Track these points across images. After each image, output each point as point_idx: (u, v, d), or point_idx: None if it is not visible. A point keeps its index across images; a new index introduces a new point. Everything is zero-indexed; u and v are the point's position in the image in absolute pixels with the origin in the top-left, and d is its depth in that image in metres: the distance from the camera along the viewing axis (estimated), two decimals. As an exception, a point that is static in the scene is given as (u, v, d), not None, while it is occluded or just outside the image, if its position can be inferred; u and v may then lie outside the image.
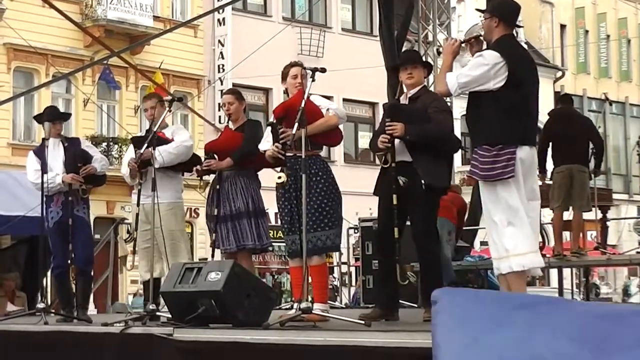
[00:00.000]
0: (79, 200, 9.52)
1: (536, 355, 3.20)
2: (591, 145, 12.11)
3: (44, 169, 9.38)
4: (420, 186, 7.56)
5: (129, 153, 9.56)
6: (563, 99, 12.83)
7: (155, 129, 8.84)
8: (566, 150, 11.36)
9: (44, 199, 9.51)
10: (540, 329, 3.27)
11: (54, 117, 9.79)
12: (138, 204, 9.01)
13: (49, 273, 10.68)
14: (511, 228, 6.46)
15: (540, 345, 3.21)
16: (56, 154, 9.58)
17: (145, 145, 8.70)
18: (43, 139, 9.69)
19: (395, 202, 7.64)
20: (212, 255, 8.78)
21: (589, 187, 12.08)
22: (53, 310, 9.03)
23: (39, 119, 9.95)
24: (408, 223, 7.89)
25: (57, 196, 9.49)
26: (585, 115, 40.03)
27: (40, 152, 9.55)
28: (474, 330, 3.36)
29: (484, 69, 6.52)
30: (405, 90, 8.04)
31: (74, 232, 9.39)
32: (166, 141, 9.20)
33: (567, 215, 12.18)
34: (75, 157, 9.51)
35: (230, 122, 9.02)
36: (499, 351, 3.26)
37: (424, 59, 20.23)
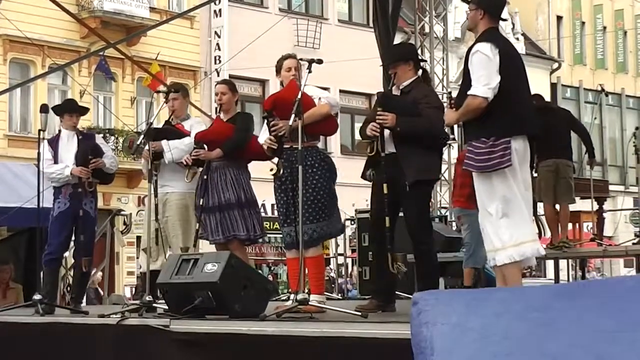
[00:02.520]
0: (87, 194, 9.54)
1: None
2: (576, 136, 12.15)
3: (55, 160, 9.47)
4: (406, 179, 7.62)
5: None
6: (535, 96, 12.72)
7: (151, 121, 8.84)
8: (550, 144, 11.25)
9: (50, 190, 9.58)
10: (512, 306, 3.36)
11: (71, 109, 9.84)
12: (156, 195, 8.91)
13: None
14: (506, 219, 6.46)
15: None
16: (69, 147, 9.63)
17: (142, 137, 8.68)
18: (59, 131, 9.85)
19: (385, 190, 7.67)
20: (195, 245, 8.77)
21: (573, 181, 12.09)
22: (46, 301, 9.03)
23: (60, 110, 9.97)
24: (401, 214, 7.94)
25: (65, 188, 9.53)
26: (582, 106, 40.35)
27: (54, 143, 9.63)
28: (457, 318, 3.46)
29: (489, 61, 6.51)
30: (395, 82, 8.04)
31: (80, 226, 9.42)
32: (182, 134, 9.21)
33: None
34: (87, 150, 9.52)
35: (221, 112, 9.01)
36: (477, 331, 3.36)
37: (420, 50, 20.33)
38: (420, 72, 8.10)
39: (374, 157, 7.77)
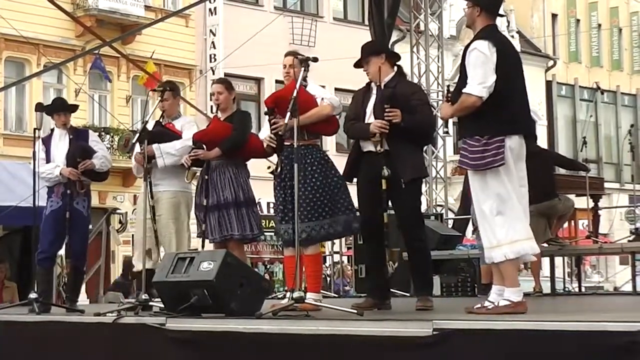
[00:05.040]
0: (78, 193, 9.53)
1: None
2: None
3: (47, 159, 9.47)
4: (401, 176, 7.63)
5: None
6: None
7: (146, 120, 8.83)
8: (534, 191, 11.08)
9: (45, 189, 9.58)
10: None
11: (59, 108, 9.83)
12: (152, 196, 8.94)
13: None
14: (501, 217, 6.46)
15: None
16: (61, 145, 9.62)
17: (137, 136, 8.65)
18: (52, 129, 9.86)
19: (384, 187, 7.68)
20: (202, 246, 8.75)
21: (560, 205, 12.09)
22: (42, 300, 9.02)
23: (49, 109, 9.96)
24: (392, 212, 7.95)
25: (57, 187, 9.53)
26: (577, 104, 40.35)
27: (47, 141, 9.65)
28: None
29: (486, 60, 6.51)
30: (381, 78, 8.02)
31: (72, 226, 9.41)
32: (174, 135, 9.17)
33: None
34: (76, 151, 9.51)
35: (219, 112, 8.99)
36: None
37: (416, 48, 20.31)
38: (395, 68, 8.12)
39: (377, 154, 7.77)
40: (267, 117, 8.28)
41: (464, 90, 6.55)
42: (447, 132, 19.21)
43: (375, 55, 8.04)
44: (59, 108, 9.86)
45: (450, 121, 7.21)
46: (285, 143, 7.89)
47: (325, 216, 7.91)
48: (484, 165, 6.46)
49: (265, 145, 8.07)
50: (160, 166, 9.08)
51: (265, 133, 8.23)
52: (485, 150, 6.45)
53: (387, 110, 7.67)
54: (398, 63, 8.18)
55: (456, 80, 6.91)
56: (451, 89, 6.90)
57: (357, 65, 8.21)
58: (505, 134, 6.48)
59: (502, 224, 6.46)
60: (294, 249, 7.57)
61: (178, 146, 9.09)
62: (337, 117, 8.23)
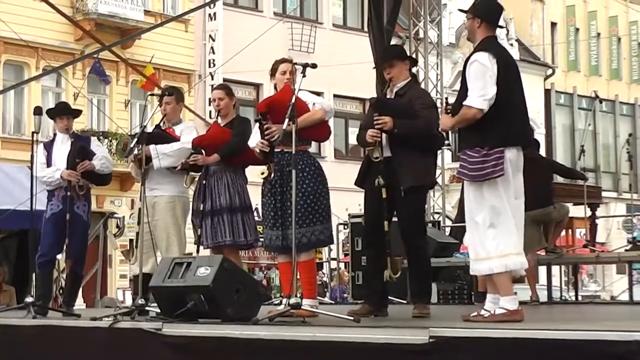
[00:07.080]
0: (79, 197, 9.52)
1: None
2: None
3: (48, 163, 9.46)
4: (400, 184, 7.62)
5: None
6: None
7: (145, 124, 8.82)
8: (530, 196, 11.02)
9: (44, 193, 9.57)
10: None
11: (61, 112, 9.83)
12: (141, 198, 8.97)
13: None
14: (493, 229, 6.46)
15: None
16: (62, 149, 9.62)
17: (136, 140, 8.66)
18: (54, 134, 9.88)
19: (384, 195, 7.67)
20: (197, 251, 8.74)
21: (556, 212, 12.02)
22: (39, 304, 9.00)
23: (52, 113, 9.96)
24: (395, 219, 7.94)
25: (58, 191, 9.54)
26: (576, 112, 40.38)
27: (49, 146, 9.64)
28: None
29: (486, 72, 6.51)
30: (391, 85, 8.03)
31: (72, 229, 9.40)
32: (172, 138, 9.16)
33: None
34: (75, 152, 9.51)
35: (219, 117, 8.99)
36: None
37: (415, 55, 20.31)
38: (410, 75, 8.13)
39: (376, 162, 7.77)
40: (257, 124, 8.20)
41: (464, 103, 6.55)
42: (448, 144, 19.13)
43: (401, 59, 8.04)
44: (62, 111, 9.85)
45: (450, 131, 7.20)
46: (276, 150, 7.88)
47: (316, 222, 7.91)
48: (483, 176, 6.46)
49: (257, 150, 8.02)
50: (156, 167, 9.05)
51: (255, 140, 8.19)
52: (485, 161, 6.45)
53: (375, 119, 7.69)
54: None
55: (455, 88, 6.92)
56: (449, 98, 6.89)
57: (380, 65, 8.19)
58: (505, 145, 6.49)
59: (494, 237, 6.46)
60: (287, 256, 7.57)
61: (175, 147, 9.08)
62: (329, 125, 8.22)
